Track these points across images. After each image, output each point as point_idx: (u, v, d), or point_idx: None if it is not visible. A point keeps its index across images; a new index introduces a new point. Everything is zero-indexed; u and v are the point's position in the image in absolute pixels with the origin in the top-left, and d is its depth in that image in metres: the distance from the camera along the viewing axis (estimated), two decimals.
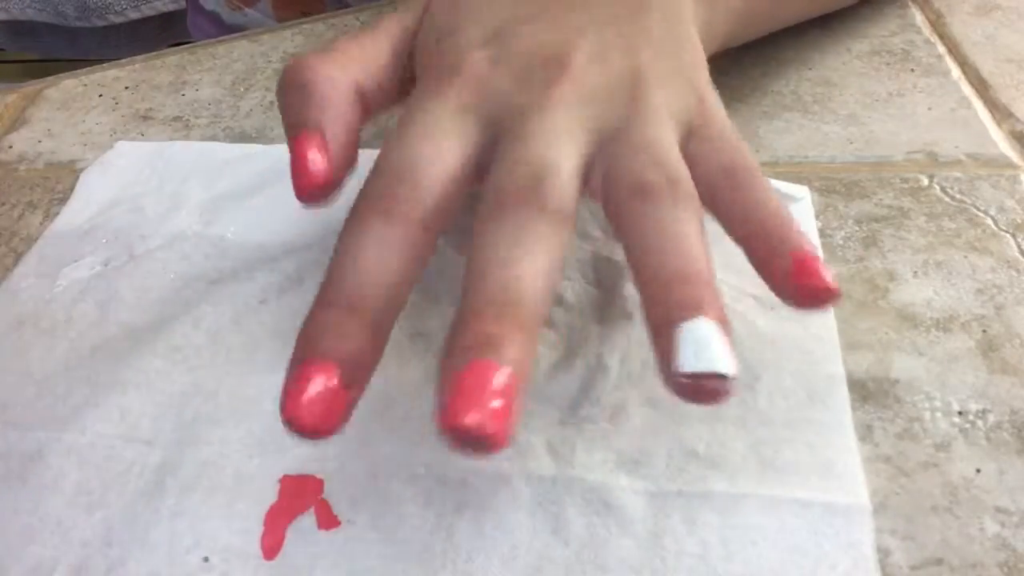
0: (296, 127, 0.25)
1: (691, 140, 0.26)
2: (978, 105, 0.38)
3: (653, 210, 0.23)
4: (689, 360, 0.20)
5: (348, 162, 0.25)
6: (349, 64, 0.26)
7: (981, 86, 0.39)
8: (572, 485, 0.25)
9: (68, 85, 0.43)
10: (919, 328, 0.29)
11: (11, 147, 0.39)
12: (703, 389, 0.21)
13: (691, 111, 0.26)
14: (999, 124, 0.37)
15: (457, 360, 0.20)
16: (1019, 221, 0.32)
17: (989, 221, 0.32)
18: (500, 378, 0.19)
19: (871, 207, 0.33)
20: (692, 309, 0.21)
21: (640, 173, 0.24)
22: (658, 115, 0.25)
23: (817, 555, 0.23)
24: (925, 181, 0.35)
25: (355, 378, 0.21)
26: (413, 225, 0.22)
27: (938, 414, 0.26)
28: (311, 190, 0.24)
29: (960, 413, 0.26)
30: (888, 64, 0.41)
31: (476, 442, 0.19)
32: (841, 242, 0.32)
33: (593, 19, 0.27)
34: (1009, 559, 0.23)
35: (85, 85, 0.43)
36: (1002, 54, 0.41)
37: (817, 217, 0.33)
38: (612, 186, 0.24)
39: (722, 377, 0.20)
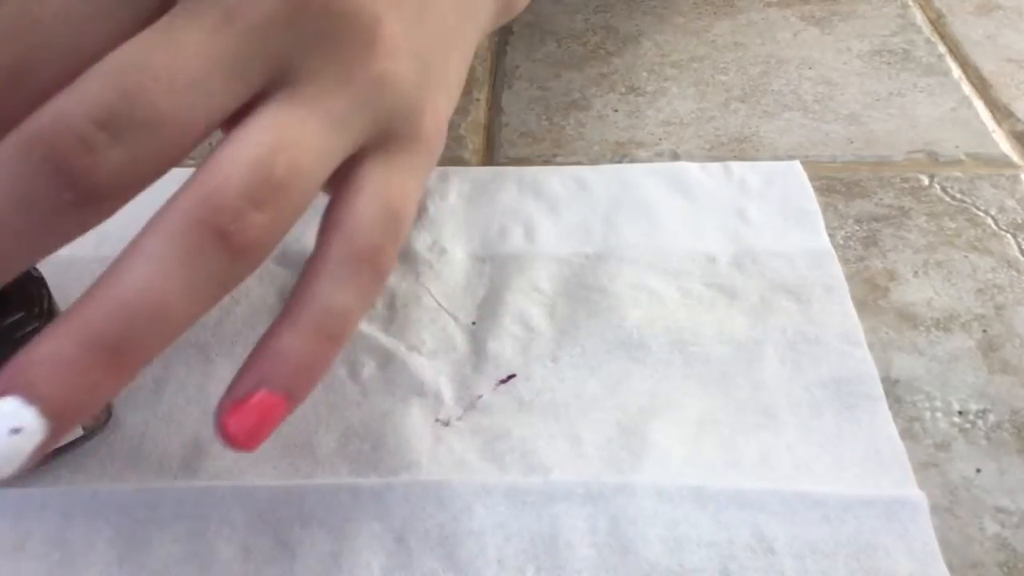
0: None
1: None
2: (979, 105, 0.38)
3: None
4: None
5: None
6: None
7: (981, 86, 0.39)
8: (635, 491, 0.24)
9: None
10: (919, 328, 0.29)
11: None
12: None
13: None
14: (1000, 124, 0.37)
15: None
16: (1019, 221, 0.32)
17: (989, 221, 0.32)
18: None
19: (871, 207, 0.33)
20: None
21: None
22: None
23: (879, 555, 0.23)
24: (925, 181, 0.35)
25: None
26: None
27: (938, 414, 0.26)
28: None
29: (960, 413, 0.26)
30: (888, 64, 0.41)
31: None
32: (841, 242, 0.32)
33: None
34: (1009, 559, 0.23)
35: None
36: (1003, 54, 0.41)
37: None
38: None
39: None
